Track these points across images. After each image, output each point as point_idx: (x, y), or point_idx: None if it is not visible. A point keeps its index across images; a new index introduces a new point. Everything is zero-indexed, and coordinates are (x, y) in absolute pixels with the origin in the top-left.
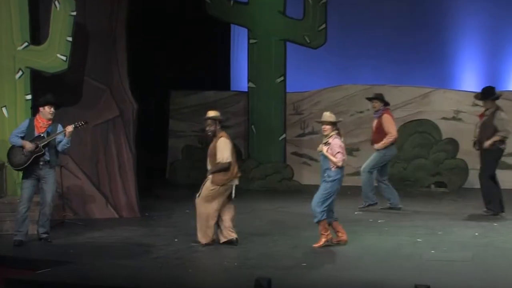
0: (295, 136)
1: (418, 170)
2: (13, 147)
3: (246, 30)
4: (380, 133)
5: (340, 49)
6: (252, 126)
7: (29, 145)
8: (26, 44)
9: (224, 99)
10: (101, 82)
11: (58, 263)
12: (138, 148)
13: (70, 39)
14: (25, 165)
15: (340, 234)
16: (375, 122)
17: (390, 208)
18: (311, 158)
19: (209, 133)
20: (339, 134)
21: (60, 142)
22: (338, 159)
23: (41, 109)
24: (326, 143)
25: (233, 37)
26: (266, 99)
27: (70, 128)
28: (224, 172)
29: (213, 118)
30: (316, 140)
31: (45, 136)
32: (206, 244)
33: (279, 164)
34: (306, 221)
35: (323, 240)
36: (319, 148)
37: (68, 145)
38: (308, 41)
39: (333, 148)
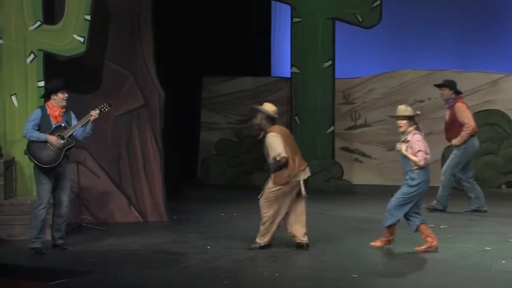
0: (345, 129)
1: (487, 168)
2: (32, 144)
3: (288, 7)
4: (454, 126)
5: (396, 29)
6: (296, 117)
7: (55, 140)
8: (38, 23)
9: (264, 86)
10: (123, 66)
11: (75, 273)
12: (165, 142)
13: (88, 17)
14: (59, 161)
15: (430, 239)
16: (447, 114)
17: (474, 211)
18: (364, 154)
19: (255, 126)
20: (417, 128)
21: (80, 130)
22: (419, 157)
23: (53, 96)
24: (405, 141)
25: (274, 16)
26: (311, 86)
27: (95, 114)
28: (284, 169)
29: (260, 111)
30: (369, 133)
31: (66, 125)
32: (262, 247)
33: (326, 161)
34: (357, 227)
35: (383, 241)
36: (397, 147)
37: (90, 133)
38: (360, 20)
39: (414, 145)
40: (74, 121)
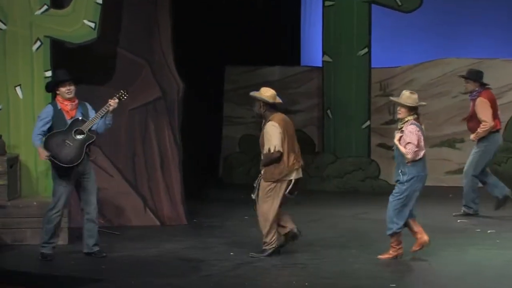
0: (382, 124)
1: None
2: (50, 139)
3: None
4: (474, 120)
5: (439, 13)
6: (328, 111)
7: (42, 153)
8: (45, 7)
9: (293, 77)
10: (138, 55)
11: (85, 281)
12: (184, 138)
13: (100, 1)
14: (81, 159)
15: (419, 236)
16: (471, 106)
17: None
18: None
19: (255, 116)
20: (417, 120)
21: (100, 122)
22: (407, 150)
23: (56, 90)
24: (401, 130)
25: None
26: (345, 76)
27: (114, 103)
28: (275, 165)
29: (256, 99)
30: None
31: (84, 119)
32: (270, 251)
33: (361, 158)
34: None
35: (392, 254)
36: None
37: (112, 123)
38: (399, 3)
39: (406, 137)
40: (91, 113)
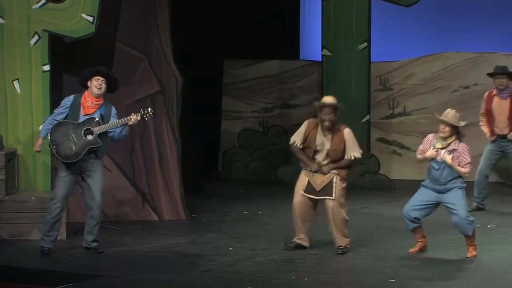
0: (381, 118)
1: None
2: (56, 129)
3: None
4: None
5: (439, 7)
6: None
7: (36, 145)
8: (43, 1)
9: (292, 71)
10: (137, 49)
11: (83, 277)
12: (183, 133)
13: None
14: (76, 160)
15: (423, 240)
16: (507, 104)
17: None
18: (402, 146)
19: (326, 123)
20: (459, 138)
21: (117, 131)
22: (467, 170)
23: (88, 83)
24: (451, 151)
25: None
26: (345, 70)
27: (135, 119)
28: (350, 168)
29: (333, 106)
30: (408, 123)
31: (100, 120)
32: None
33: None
34: (395, 227)
35: (474, 252)
36: (431, 155)
37: (127, 134)
38: None
39: (464, 156)
40: (113, 118)
